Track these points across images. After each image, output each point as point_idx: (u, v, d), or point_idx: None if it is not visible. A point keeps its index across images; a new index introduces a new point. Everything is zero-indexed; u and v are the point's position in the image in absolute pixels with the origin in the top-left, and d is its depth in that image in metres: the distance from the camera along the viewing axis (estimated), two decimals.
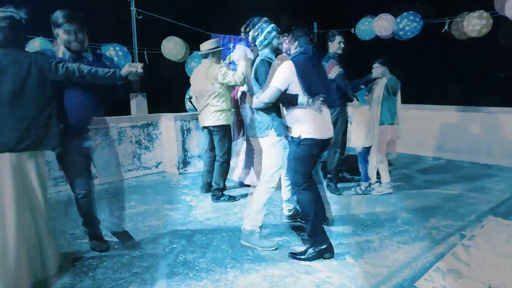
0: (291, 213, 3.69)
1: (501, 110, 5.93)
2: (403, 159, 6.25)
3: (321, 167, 5.01)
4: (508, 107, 5.90)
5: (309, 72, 2.90)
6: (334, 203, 4.22)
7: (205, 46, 4.37)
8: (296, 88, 2.91)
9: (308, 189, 2.98)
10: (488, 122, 6.01)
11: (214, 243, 3.30)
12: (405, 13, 6.11)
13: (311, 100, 2.86)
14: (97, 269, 2.84)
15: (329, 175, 4.72)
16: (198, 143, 5.89)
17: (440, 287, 2.51)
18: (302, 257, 2.96)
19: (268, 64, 3.09)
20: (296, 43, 3.06)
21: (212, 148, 4.58)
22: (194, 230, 3.58)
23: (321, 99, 2.88)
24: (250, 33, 3.17)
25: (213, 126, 4.36)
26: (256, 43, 3.17)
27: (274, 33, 3.13)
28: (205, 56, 4.39)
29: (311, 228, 2.98)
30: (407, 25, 6.03)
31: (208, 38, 7.07)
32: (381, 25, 6.39)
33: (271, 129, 3.11)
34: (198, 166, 5.90)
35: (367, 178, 4.58)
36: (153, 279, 2.71)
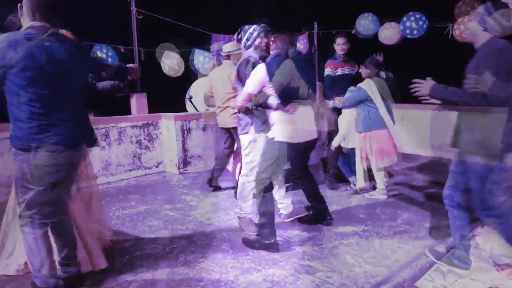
0: (286, 211, 3.72)
1: (502, 110, 5.91)
2: (403, 159, 6.24)
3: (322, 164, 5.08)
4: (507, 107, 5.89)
5: (283, 77, 3.04)
6: (334, 203, 4.23)
7: (228, 48, 4.44)
8: (269, 89, 3.10)
9: (260, 187, 3.12)
10: (488, 122, 5.99)
11: (214, 243, 3.30)
12: (410, 13, 6.10)
13: (279, 101, 3.05)
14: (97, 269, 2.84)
15: (327, 168, 4.89)
16: (198, 143, 5.90)
17: (441, 287, 2.51)
18: (248, 244, 3.19)
19: (248, 63, 3.25)
20: (273, 45, 3.29)
21: (227, 146, 4.67)
22: (194, 230, 3.59)
23: (294, 102, 3.05)
24: (234, 36, 3.40)
25: (234, 128, 4.41)
26: (241, 44, 3.36)
27: (255, 33, 3.26)
28: (228, 57, 4.45)
29: (258, 222, 3.20)
30: (413, 24, 5.99)
31: (208, 38, 7.10)
32: (386, 34, 6.38)
33: (251, 125, 3.32)
34: (198, 166, 5.91)
35: (350, 176, 4.72)
36: (153, 279, 2.71)
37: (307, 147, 3.19)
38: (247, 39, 3.28)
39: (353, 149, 4.60)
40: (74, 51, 2.28)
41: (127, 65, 2.65)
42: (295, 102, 3.05)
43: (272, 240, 3.11)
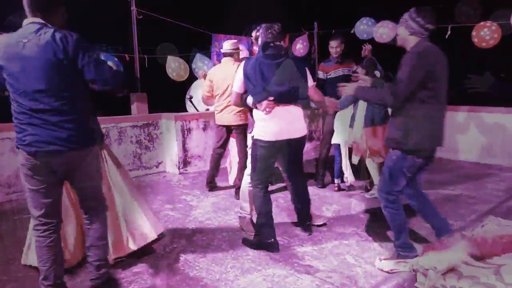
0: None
1: (501, 110, 5.93)
2: None
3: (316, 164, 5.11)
4: (508, 107, 5.90)
5: (253, 74, 2.97)
6: (334, 203, 4.24)
7: (229, 46, 4.44)
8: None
9: (257, 187, 3.13)
10: (488, 122, 6.01)
11: (215, 242, 3.30)
12: None
13: (254, 100, 2.99)
14: None
15: (318, 168, 4.98)
16: (198, 143, 5.90)
17: (441, 287, 2.51)
18: (248, 244, 3.21)
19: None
20: (257, 43, 3.20)
21: (222, 145, 4.67)
22: (194, 230, 3.59)
23: (270, 99, 2.93)
24: (253, 33, 3.31)
25: (237, 125, 4.43)
26: (258, 43, 3.24)
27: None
28: (230, 54, 4.45)
29: (256, 222, 3.20)
30: None
31: (209, 38, 7.09)
32: (382, 33, 6.37)
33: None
34: (198, 166, 5.91)
35: (337, 175, 4.73)
36: (153, 279, 2.71)
37: (282, 146, 3.05)
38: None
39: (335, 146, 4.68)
40: (68, 49, 2.08)
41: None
42: (271, 101, 2.93)
43: (272, 240, 3.11)
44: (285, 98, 2.98)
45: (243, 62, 3.10)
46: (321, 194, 4.60)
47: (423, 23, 2.56)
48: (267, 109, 2.94)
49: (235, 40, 4.58)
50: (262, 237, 3.13)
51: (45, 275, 2.29)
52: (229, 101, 4.34)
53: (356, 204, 4.23)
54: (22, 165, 2.19)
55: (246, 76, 3.00)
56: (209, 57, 6.91)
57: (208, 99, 4.72)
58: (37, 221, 2.27)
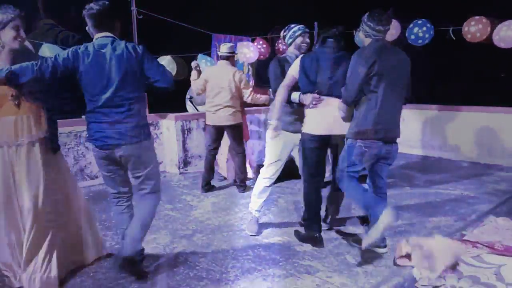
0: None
1: (501, 110, 5.93)
2: (403, 159, 6.25)
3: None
4: (508, 107, 5.90)
5: (307, 69, 3.05)
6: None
7: (226, 49, 4.56)
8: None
9: (306, 181, 3.22)
10: (488, 122, 6.01)
11: (215, 242, 3.30)
12: (419, 21, 6.02)
13: (300, 94, 3.08)
14: (98, 269, 2.85)
15: None
16: (198, 143, 5.90)
17: (441, 287, 2.51)
18: (297, 237, 3.32)
19: (282, 61, 3.32)
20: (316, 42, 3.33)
21: (216, 146, 4.74)
22: (194, 230, 3.59)
23: (315, 93, 3.01)
24: (281, 32, 3.37)
25: (235, 125, 4.57)
26: (285, 41, 3.37)
27: (298, 32, 3.28)
28: (227, 57, 4.56)
29: (303, 214, 3.31)
30: (420, 32, 5.95)
31: (209, 38, 7.09)
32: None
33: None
34: (198, 166, 5.90)
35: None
36: (153, 279, 2.71)
37: (325, 141, 3.09)
38: (290, 37, 3.29)
39: None
40: (138, 57, 2.46)
41: None
42: (318, 94, 2.99)
43: (317, 235, 3.17)
44: (336, 91, 3.00)
45: (301, 56, 3.11)
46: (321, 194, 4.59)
47: (374, 26, 2.75)
48: (314, 102, 3.00)
49: (232, 44, 4.72)
50: (308, 230, 3.21)
51: (123, 235, 2.67)
52: (226, 103, 4.47)
53: (356, 204, 4.22)
54: (94, 155, 2.62)
55: (303, 68, 3.04)
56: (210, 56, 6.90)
57: (199, 95, 4.95)
58: (112, 195, 2.72)
